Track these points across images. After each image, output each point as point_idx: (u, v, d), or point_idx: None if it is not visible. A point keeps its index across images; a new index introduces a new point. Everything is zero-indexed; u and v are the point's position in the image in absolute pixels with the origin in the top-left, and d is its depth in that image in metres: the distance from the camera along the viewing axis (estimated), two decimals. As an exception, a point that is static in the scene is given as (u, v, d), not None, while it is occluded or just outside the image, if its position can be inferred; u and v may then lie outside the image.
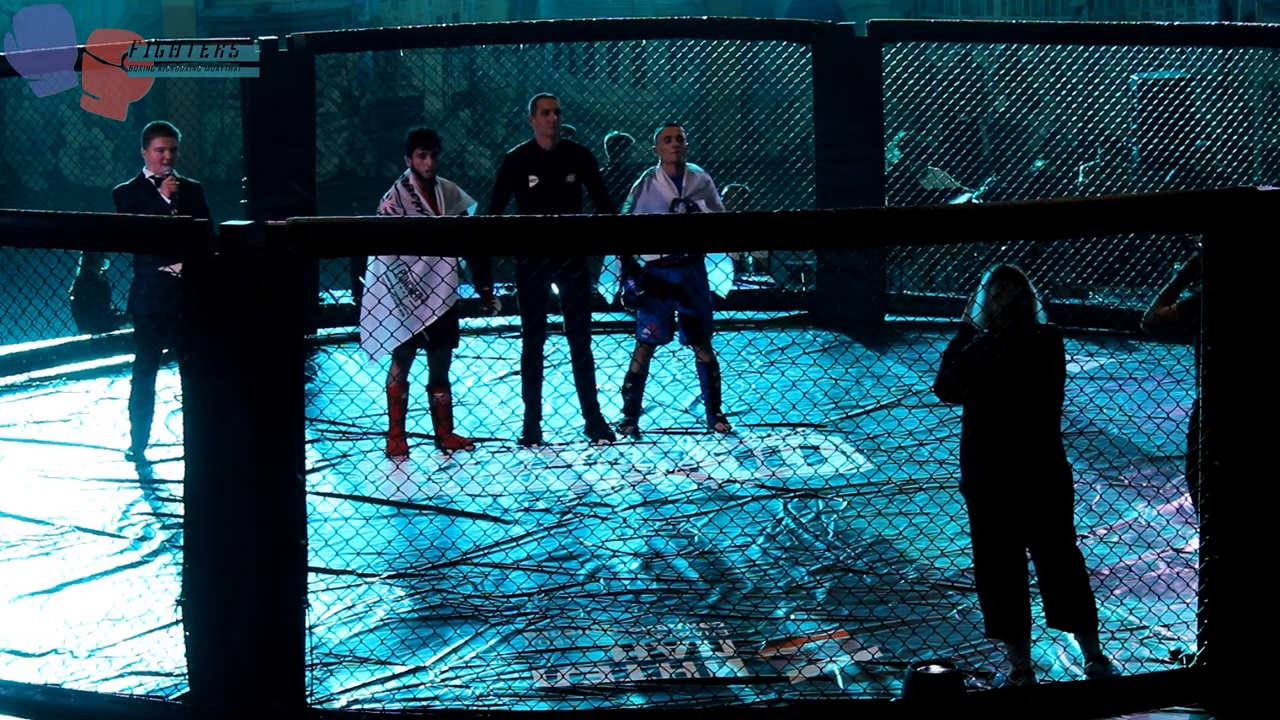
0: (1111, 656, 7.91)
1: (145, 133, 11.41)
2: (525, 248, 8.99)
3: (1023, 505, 7.73)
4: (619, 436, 11.55)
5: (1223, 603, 7.43)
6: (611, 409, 11.73)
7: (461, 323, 12.22)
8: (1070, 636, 8.02)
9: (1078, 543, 7.89)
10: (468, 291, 11.91)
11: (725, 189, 16.05)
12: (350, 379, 12.53)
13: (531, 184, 11.47)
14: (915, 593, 8.85)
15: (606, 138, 16.47)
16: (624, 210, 11.77)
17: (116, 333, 14.26)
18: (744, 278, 15.80)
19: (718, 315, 12.25)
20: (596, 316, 12.13)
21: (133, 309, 11.47)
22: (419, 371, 11.49)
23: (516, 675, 8.01)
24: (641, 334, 11.62)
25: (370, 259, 11.03)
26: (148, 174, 11.32)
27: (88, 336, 14.38)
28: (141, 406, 11.27)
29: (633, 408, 11.68)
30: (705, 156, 18.17)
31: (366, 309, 11.06)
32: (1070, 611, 7.81)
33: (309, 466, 8.59)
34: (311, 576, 7.83)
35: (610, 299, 11.78)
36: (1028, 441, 7.72)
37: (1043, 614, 7.92)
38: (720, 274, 11.88)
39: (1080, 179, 15.99)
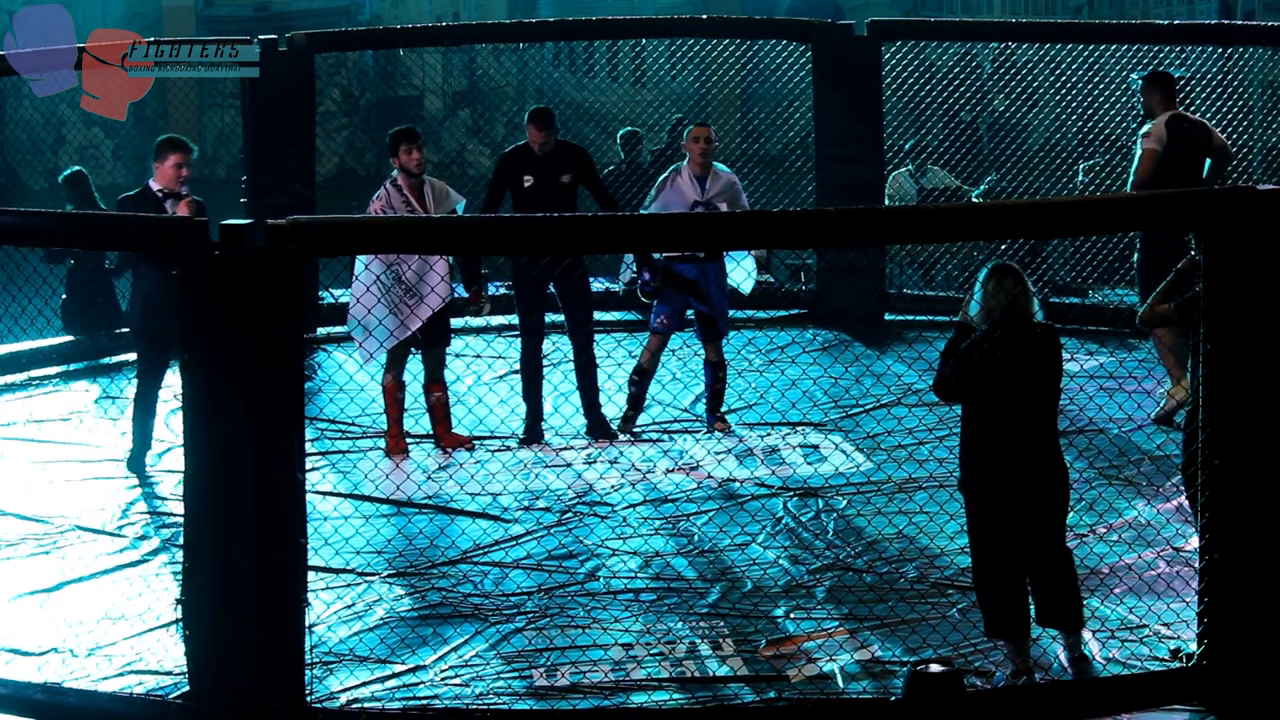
0: (1112, 655, 7.91)
1: (160, 146, 10.94)
2: (524, 247, 8.98)
3: (1020, 503, 7.73)
4: (619, 435, 11.55)
5: (1223, 602, 7.43)
6: (611, 408, 11.73)
7: (462, 322, 12.21)
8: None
9: (1069, 541, 7.88)
10: (461, 290, 11.91)
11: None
12: (350, 378, 12.52)
13: (526, 184, 11.45)
14: (915, 592, 8.85)
15: (620, 134, 16.50)
16: (646, 203, 11.82)
17: (117, 333, 14.23)
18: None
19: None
20: (597, 315, 12.11)
21: (131, 326, 11.30)
22: (417, 370, 11.49)
23: (516, 675, 8.00)
24: (655, 324, 11.61)
25: (360, 259, 10.98)
26: (154, 187, 10.86)
27: (84, 338, 14.34)
28: (144, 408, 11.14)
29: (635, 402, 11.67)
30: (705, 156, 18.13)
31: (366, 308, 11.03)
32: (1057, 609, 7.79)
33: (309, 466, 8.59)
34: (311, 575, 7.83)
35: (622, 290, 11.79)
36: (1025, 440, 7.72)
37: (1040, 613, 7.93)
38: (742, 271, 11.86)
39: (1080, 179, 15.99)
